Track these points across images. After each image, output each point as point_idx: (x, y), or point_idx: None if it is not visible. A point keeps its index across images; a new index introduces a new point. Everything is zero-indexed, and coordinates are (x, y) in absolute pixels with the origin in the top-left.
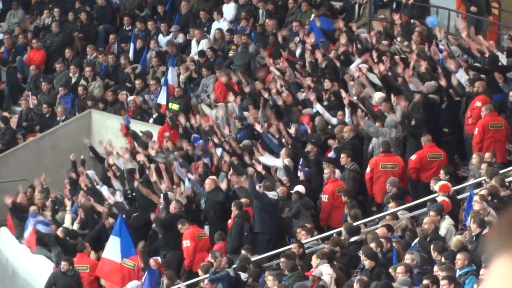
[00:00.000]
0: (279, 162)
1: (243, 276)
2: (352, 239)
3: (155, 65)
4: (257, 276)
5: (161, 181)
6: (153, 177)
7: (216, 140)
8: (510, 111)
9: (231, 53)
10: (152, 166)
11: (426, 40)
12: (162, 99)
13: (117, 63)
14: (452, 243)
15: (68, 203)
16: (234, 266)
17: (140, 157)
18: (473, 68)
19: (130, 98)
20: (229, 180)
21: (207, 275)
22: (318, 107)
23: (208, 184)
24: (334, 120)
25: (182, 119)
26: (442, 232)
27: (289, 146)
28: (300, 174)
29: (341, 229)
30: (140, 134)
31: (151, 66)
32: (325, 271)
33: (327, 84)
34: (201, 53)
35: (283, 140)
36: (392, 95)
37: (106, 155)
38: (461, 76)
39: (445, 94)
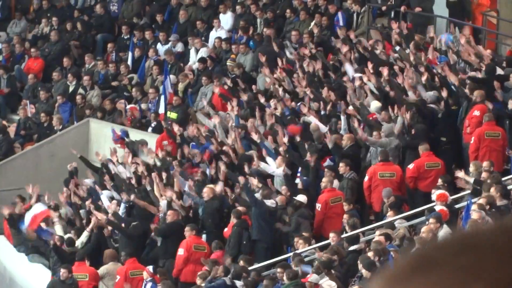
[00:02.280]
0: (279, 170)
1: (239, 284)
2: (351, 248)
3: (155, 74)
4: (255, 285)
5: (164, 188)
6: (153, 185)
7: (213, 148)
8: (508, 120)
9: (229, 62)
10: (154, 174)
11: (423, 49)
12: (160, 108)
13: (117, 72)
14: None
15: (54, 214)
16: (229, 275)
17: (140, 168)
18: (471, 79)
19: (128, 107)
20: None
21: (204, 284)
22: (311, 118)
23: (206, 192)
24: (324, 129)
25: (176, 128)
26: None
27: (286, 155)
28: (299, 182)
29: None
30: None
31: (149, 74)
32: (327, 283)
33: (325, 92)
34: (202, 59)
35: (280, 149)
36: (392, 107)
37: (107, 162)
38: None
39: (444, 104)
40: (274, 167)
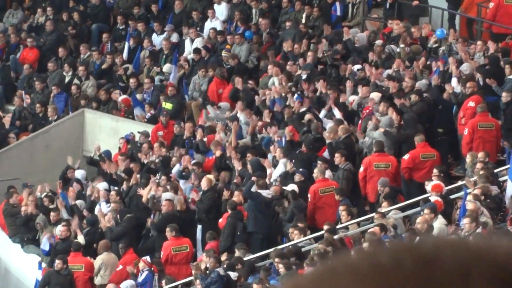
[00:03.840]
0: (280, 165)
1: (233, 275)
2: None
3: (148, 65)
4: (247, 275)
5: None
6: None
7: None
8: (503, 113)
9: (223, 53)
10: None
11: (418, 40)
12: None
13: (112, 62)
14: None
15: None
16: (224, 266)
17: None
18: (480, 71)
19: (120, 98)
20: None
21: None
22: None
23: (204, 183)
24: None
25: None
26: (435, 231)
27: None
28: (296, 175)
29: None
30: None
31: (144, 65)
32: None
33: (320, 85)
34: (196, 50)
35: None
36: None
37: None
38: (455, 86)
39: (438, 98)
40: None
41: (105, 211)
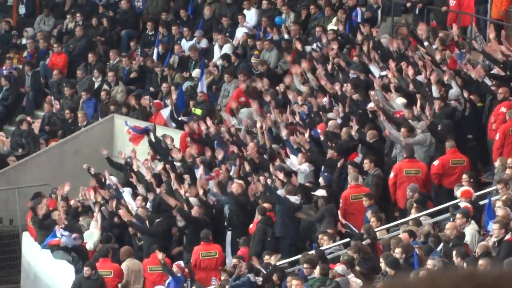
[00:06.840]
0: (303, 166)
1: (258, 280)
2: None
3: (170, 73)
4: (269, 278)
5: (182, 187)
6: (174, 185)
7: (235, 150)
8: None
9: (253, 60)
10: (173, 175)
11: (448, 46)
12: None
13: (141, 66)
14: (478, 248)
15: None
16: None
17: (159, 167)
18: (492, 76)
19: (153, 102)
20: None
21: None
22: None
23: (235, 188)
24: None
25: (203, 127)
26: (467, 238)
27: (307, 152)
28: (320, 179)
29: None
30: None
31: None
32: (353, 279)
33: (349, 89)
34: (225, 56)
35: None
36: (416, 105)
37: (131, 160)
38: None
39: (468, 101)
40: (297, 164)
41: (128, 200)
